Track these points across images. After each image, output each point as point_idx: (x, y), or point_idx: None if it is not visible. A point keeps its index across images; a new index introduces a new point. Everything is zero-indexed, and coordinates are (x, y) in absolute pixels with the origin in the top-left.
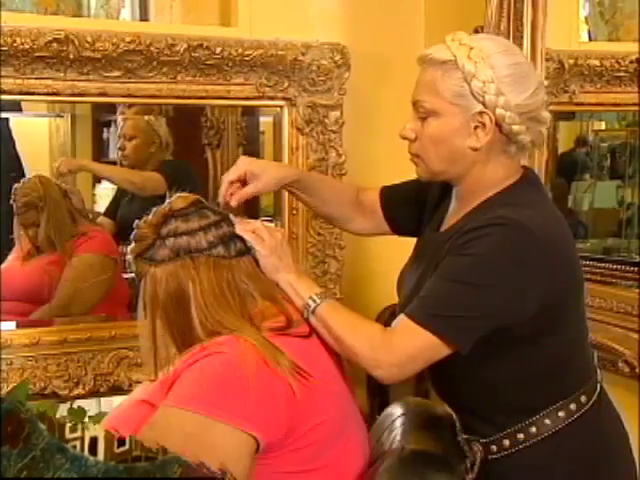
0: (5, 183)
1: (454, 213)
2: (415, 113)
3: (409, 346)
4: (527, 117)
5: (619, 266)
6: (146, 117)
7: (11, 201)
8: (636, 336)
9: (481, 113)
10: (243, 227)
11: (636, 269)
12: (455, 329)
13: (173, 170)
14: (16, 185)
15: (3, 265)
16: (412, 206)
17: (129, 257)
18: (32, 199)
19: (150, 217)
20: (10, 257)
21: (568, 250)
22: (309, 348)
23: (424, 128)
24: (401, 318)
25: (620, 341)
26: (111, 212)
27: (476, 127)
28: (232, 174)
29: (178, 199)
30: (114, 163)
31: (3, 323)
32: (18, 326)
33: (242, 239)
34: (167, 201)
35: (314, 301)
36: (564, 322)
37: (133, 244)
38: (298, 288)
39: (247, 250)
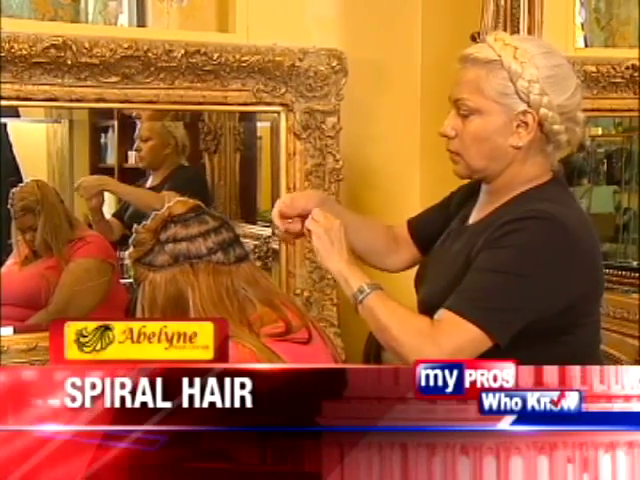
0: (3, 188)
1: (483, 207)
2: (455, 111)
3: (456, 340)
4: (566, 117)
5: (616, 271)
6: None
7: (9, 205)
8: (632, 341)
9: (525, 112)
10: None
11: (633, 274)
12: (498, 322)
13: (187, 177)
14: (13, 189)
15: (2, 269)
16: (440, 229)
17: (127, 262)
18: (29, 203)
19: (149, 222)
20: (8, 262)
21: (596, 252)
22: (308, 354)
23: (466, 126)
24: (445, 312)
25: (617, 347)
26: (119, 213)
27: (518, 126)
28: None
29: (177, 204)
30: (112, 169)
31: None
32: (15, 331)
33: (241, 245)
34: (166, 205)
35: (362, 291)
36: (581, 323)
37: (132, 249)
38: (348, 277)
39: (246, 256)
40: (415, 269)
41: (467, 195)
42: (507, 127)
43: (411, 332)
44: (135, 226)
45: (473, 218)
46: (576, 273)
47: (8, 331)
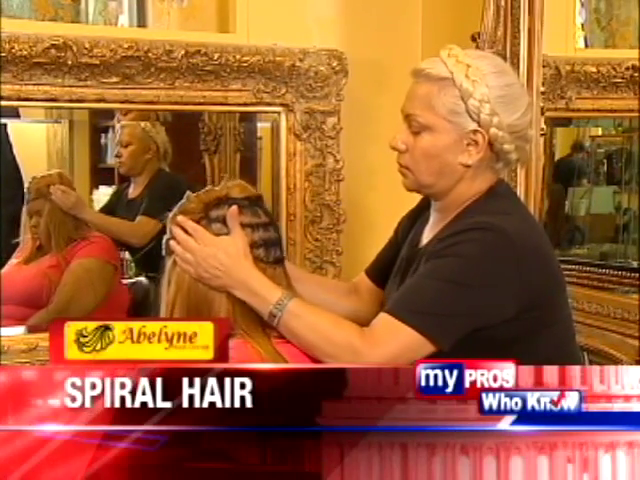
0: (1, 190)
1: (433, 226)
2: (407, 125)
3: (393, 345)
4: (516, 136)
5: (616, 272)
6: (142, 124)
7: (25, 189)
8: (633, 342)
9: (475, 131)
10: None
11: (633, 275)
12: (438, 327)
13: (164, 184)
14: (35, 175)
15: (5, 268)
16: (395, 261)
17: (168, 222)
18: (44, 188)
19: (202, 193)
20: (11, 261)
21: (545, 253)
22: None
23: (416, 142)
24: (382, 316)
25: (617, 347)
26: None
27: (468, 144)
28: None
29: (236, 187)
30: (112, 169)
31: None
32: (30, 331)
33: (282, 249)
34: (224, 183)
35: (273, 314)
36: (548, 323)
37: (176, 212)
38: (251, 300)
39: (282, 260)
40: None
41: (411, 222)
42: (457, 145)
43: (343, 346)
44: (188, 192)
45: (425, 239)
46: (521, 280)
47: (8, 331)
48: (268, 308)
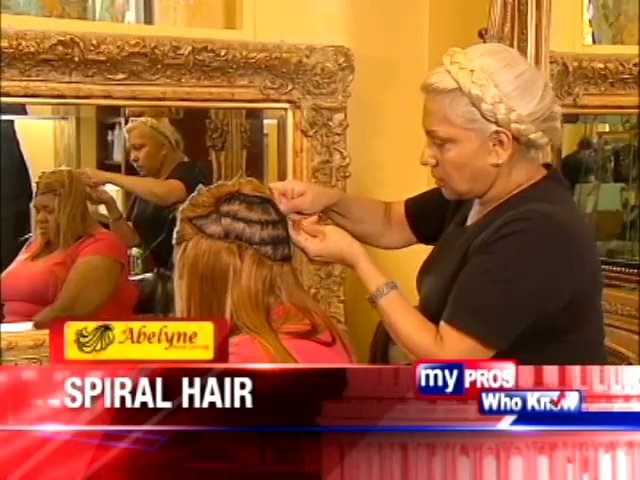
0: (9, 186)
1: (479, 209)
2: (431, 140)
3: (460, 353)
4: (541, 120)
5: (623, 269)
6: (148, 122)
7: (34, 183)
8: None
9: (497, 132)
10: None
11: None
12: (500, 333)
13: (182, 177)
14: (43, 171)
15: (12, 264)
16: (435, 213)
17: (178, 215)
18: (53, 182)
19: (214, 188)
20: (21, 256)
21: (591, 245)
22: (328, 356)
23: (443, 155)
24: (447, 327)
25: (624, 344)
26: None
27: (494, 145)
28: (279, 185)
29: (248, 184)
30: (119, 166)
31: (8, 325)
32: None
33: (290, 247)
34: (236, 179)
35: (380, 293)
36: (585, 319)
37: (187, 205)
38: (372, 276)
39: (290, 258)
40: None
41: (457, 202)
42: (483, 149)
43: (417, 347)
44: (200, 186)
45: (471, 220)
46: (572, 269)
47: (17, 327)
48: (378, 283)
